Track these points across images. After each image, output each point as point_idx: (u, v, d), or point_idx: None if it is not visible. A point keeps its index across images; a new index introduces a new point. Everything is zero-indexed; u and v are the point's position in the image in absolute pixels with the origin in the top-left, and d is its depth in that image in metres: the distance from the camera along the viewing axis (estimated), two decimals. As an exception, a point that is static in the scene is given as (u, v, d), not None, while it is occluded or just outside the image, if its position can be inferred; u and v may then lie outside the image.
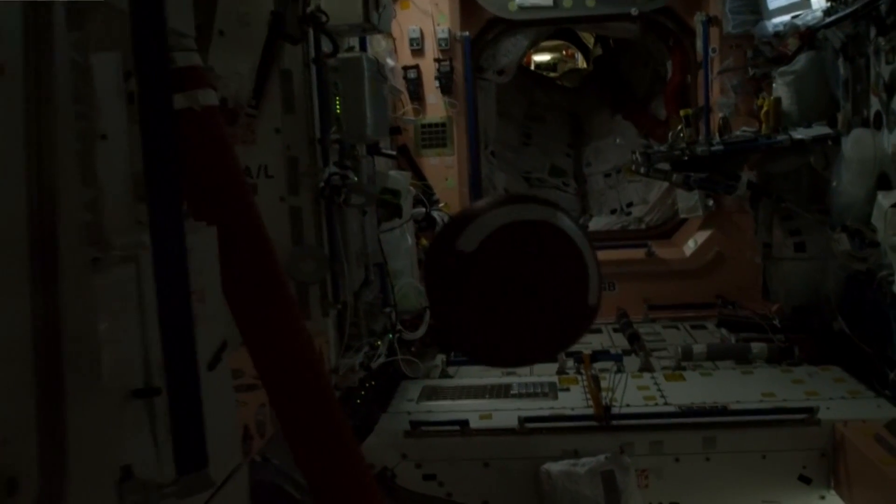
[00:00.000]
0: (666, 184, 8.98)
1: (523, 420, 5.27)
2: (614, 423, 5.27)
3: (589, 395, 5.78)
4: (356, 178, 5.52)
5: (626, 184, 10.18)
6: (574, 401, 5.77)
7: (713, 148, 6.36)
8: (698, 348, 6.38)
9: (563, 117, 11.90)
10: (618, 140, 9.57)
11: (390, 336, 6.16)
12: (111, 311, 1.84)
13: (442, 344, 7.10)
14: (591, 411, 5.42)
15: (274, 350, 2.79)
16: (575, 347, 7.34)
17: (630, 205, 9.97)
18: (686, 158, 6.41)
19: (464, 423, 5.31)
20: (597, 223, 9.62)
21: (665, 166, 6.85)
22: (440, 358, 6.83)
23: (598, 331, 7.97)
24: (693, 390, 5.86)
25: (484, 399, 5.92)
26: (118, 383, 1.85)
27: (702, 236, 8.41)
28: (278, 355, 2.80)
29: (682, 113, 6.60)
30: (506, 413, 5.55)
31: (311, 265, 5.03)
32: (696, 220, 8.45)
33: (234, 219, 2.80)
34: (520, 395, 5.92)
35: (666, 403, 5.61)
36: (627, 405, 5.51)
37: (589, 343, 7.48)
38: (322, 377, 2.83)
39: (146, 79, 1.95)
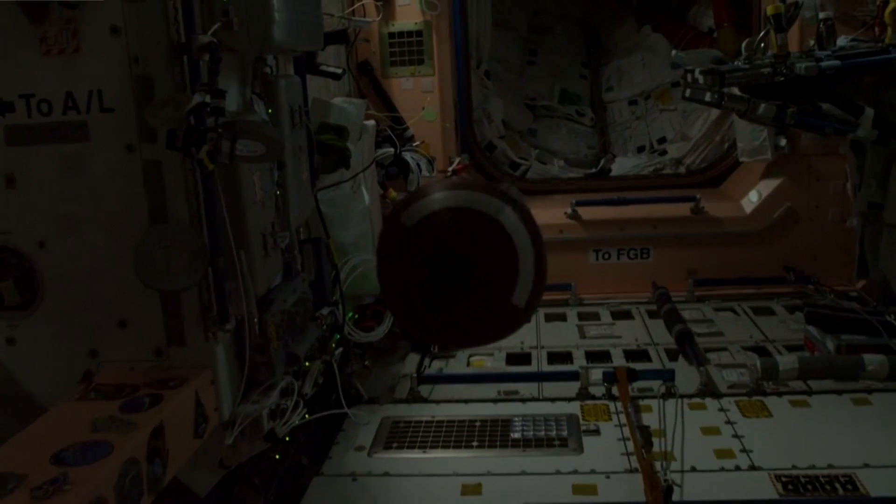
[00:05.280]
0: (712, 115, 6.87)
1: (532, 509, 3.29)
2: (679, 511, 3.28)
3: (629, 439, 3.83)
4: (264, 114, 3.44)
5: (658, 113, 8.10)
6: (608, 456, 3.77)
7: (823, 63, 4.18)
8: (787, 363, 4.31)
9: (577, 29, 10.06)
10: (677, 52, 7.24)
11: (335, 340, 4.12)
12: None
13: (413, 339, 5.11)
14: (636, 480, 3.43)
15: None
16: (601, 345, 5.35)
17: (662, 141, 7.86)
18: (782, 79, 4.23)
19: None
20: (622, 166, 7.47)
21: (735, 91, 4.68)
22: (410, 367, 4.79)
23: (628, 315, 5.94)
24: (788, 438, 3.85)
25: (471, 449, 3.91)
26: None
27: (767, 187, 6.29)
28: None
29: (769, 11, 4.38)
30: (504, 482, 3.56)
31: (179, 259, 3.03)
32: (758, 165, 6.31)
33: None
34: (525, 444, 3.91)
35: (752, 467, 3.60)
36: (693, 468, 3.54)
37: (618, 337, 5.46)
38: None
39: None
